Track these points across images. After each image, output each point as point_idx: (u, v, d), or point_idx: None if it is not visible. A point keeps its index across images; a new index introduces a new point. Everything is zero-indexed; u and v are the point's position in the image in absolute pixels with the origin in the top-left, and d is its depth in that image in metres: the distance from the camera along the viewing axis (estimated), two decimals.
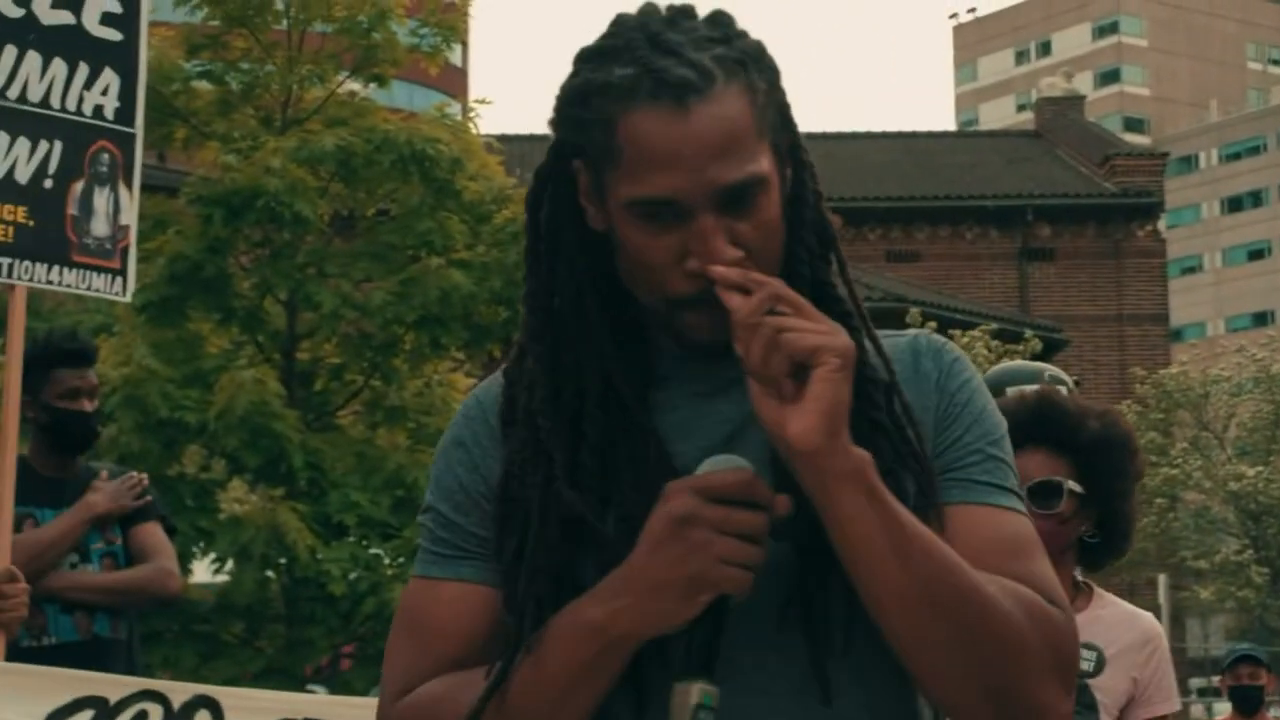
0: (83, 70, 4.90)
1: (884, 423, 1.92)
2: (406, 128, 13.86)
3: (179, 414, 12.85)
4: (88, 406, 5.48)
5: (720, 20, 1.92)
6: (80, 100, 4.89)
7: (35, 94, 4.78)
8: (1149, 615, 4.10)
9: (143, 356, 12.99)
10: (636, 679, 1.87)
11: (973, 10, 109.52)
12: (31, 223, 4.77)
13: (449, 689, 1.91)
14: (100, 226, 4.94)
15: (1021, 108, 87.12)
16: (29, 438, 5.53)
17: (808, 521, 1.83)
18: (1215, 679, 13.71)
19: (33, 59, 4.78)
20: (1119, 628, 3.88)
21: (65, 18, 4.87)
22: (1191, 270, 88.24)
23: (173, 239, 13.38)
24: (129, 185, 5.01)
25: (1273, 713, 11.77)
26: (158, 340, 13.33)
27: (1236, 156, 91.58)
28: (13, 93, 4.78)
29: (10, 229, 4.77)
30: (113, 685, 4.45)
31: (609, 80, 1.87)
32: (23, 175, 4.78)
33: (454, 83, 46.96)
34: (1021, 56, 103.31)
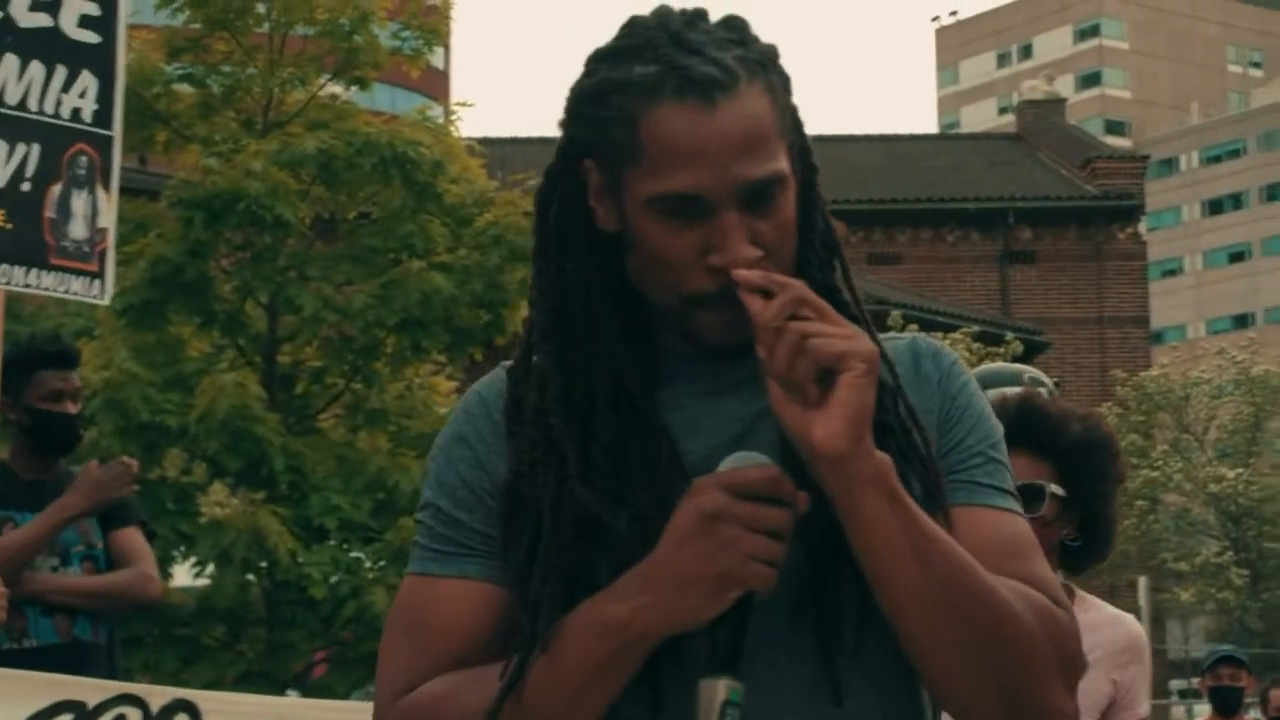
0: (60, 73, 4.89)
1: (892, 425, 1.94)
2: (388, 130, 13.84)
3: (160, 417, 12.82)
4: (71, 409, 5.48)
5: (735, 24, 1.94)
6: (58, 103, 4.88)
7: (13, 96, 4.77)
8: (1131, 618, 4.11)
9: (123, 360, 12.96)
10: (650, 678, 1.87)
11: (954, 13, 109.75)
12: (9, 226, 4.76)
13: (453, 688, 1.90)
14: (78, 229, 4.93)
15: (1003, 110, 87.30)
16: (10, 440, 5.52)
17: (822, 521, 1.84)
18: (1195, 680, 13.74)
19: (10, 62, 4.77)
20: (1103, 631, 3.88)
21: (43, 20, 4.85)
22: (1172, 273, 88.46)
23: (153, 242, 13.36)
24: (107, 188, 5.00)
25: (1251, 714, 11.81)
26: (138, 344, 13.30)
27: (1217, 159, 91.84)
28: None
29: None
30: (91, 689, 4.45)
31: (630, 78, 1.89)
32: (0, 178, 4.76)
33: (436, 85, 46.94)
34: (1003, 59, 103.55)
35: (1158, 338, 61.18)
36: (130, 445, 12.43)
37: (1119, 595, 27.46)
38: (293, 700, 5.57)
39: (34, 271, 4.82)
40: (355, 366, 13.83)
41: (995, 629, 1.86)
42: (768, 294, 1.82)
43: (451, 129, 14.96)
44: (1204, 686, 11.03)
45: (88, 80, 4.95)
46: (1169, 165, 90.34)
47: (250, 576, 12.93)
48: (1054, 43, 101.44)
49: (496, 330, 13.75)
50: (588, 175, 1.96)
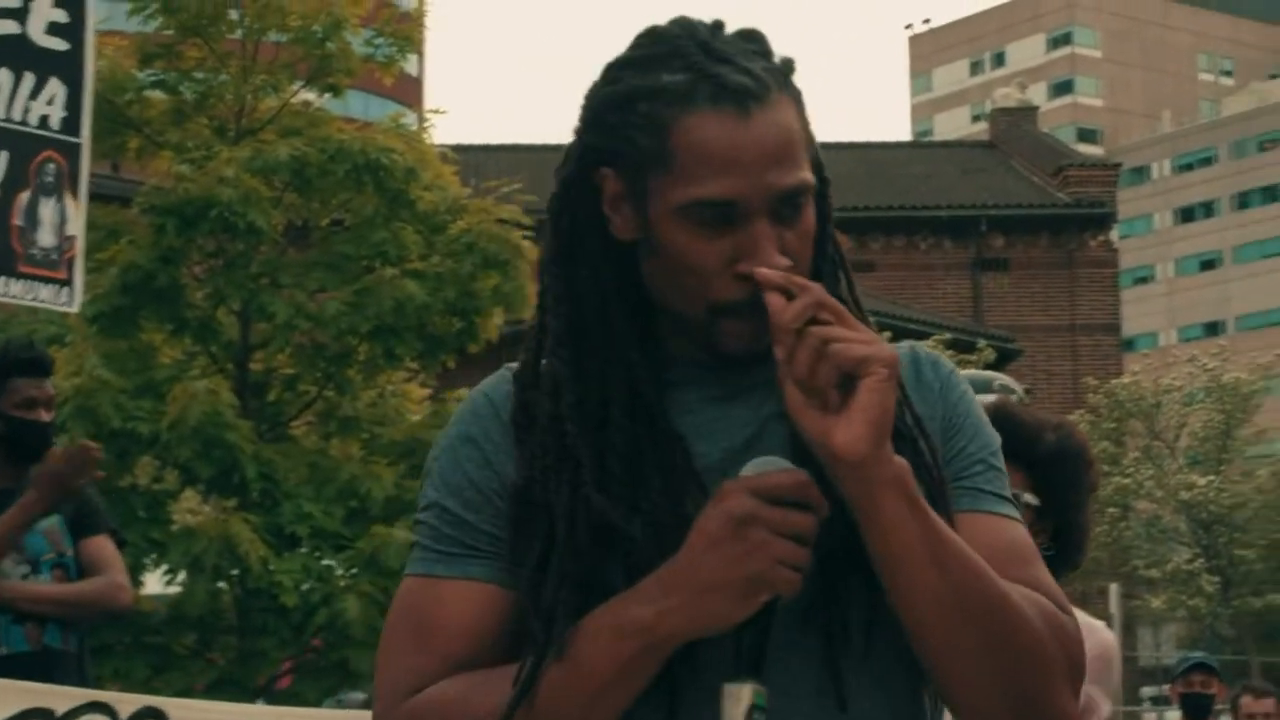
0: (29, 80, 4.87)
1: (902, 433, 1.95)
2: (361, 137, 13.83)
3: (131, 425, 12.78)
4: (45, 417, 5.46)
5: (755, 35, 1.97)
6: (26, 110, 4.86)
7: None
8: (1103, 625, 4.12)
9: (94, 367, 12.91)
10: (664, 682, 1.87)
11: (928, 21, 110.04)
12: None
13: (462, 691, 1.89)
14: (46, 237, 4.91)
15: (976, 118, 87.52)
16: None
17: (834, 526, 1.85)
18: (1166, 687, 13.78)
19: None
20: None
21: (11, 27, 4.84)
22: (1144, 280, 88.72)
23: (125, 249, 13.32)
24: (75, 195, 4.99)
25: None
26: (110, 351, 13.26)
27: (1189, 167, 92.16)
28: None
29: None
30: (60, 697, 4.43)
31: (661, 85, 1.91)
32: None
33: (410, 92, 46.92)
34: (976, 67, 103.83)
35: (1129, 345, 61.34)
36: (101, 452, 12.37)
37: (1090, 602, 27.52)
38: (263, 708, 5.55)
39: (2, 279, 4.81)
40: (328, 374, 13.81)
41: (1009, 635, 1.87)
42: (788, 295, 1.83)
43: (425, 136, 14.95)
44: (1175, 693, 11.04)
45: (56, 87, 4.94)
46: (1141, 173, 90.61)
47: (221, 584, 12.89)
48: (1027, 51, 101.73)
49: (469, 338, 13.73)
50: (603, 182, 1.96)
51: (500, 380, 2.04)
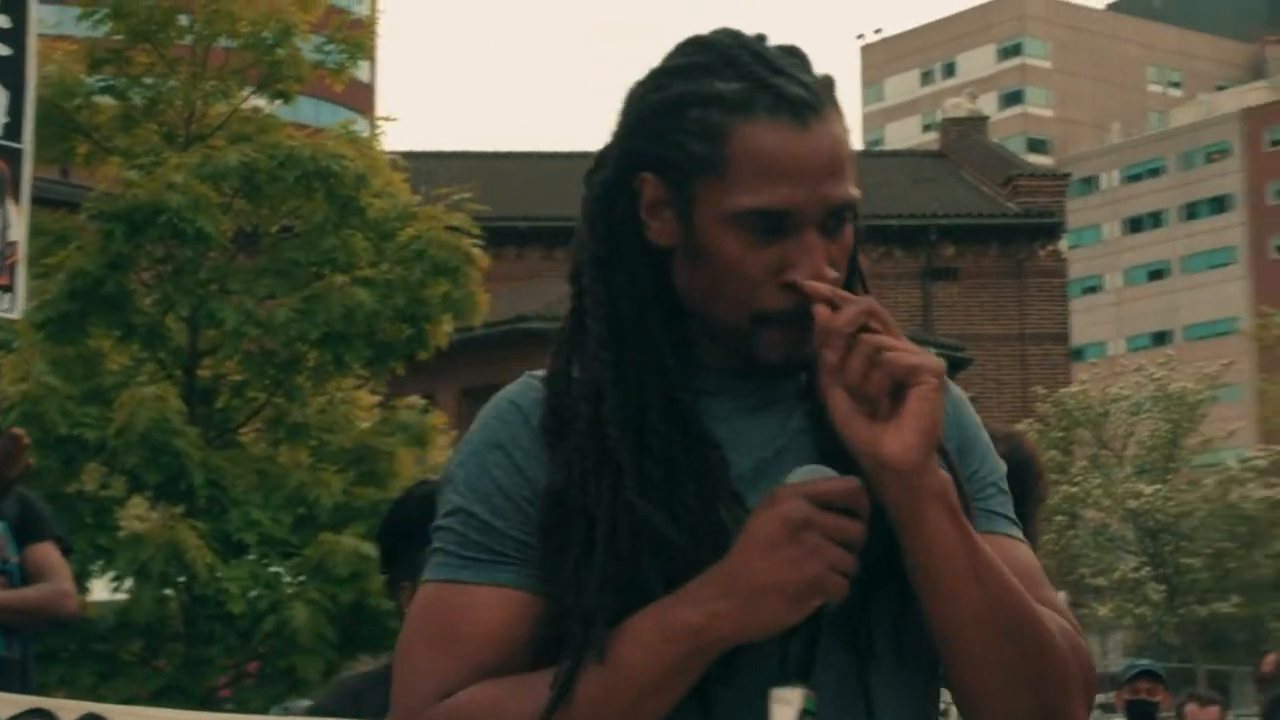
0: None
1: None
2: (311, 144, 13.80)
3: (78, 431, 12.72)
4: None
5: (798, 51, 1.99)
6: None
7: None
8: None
9: (41, 373, 12.85)
10: (701, 687, 1.87)
11: (879, 31, 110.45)
12: None
13: (495, 697, 1.88)
14: None
15: (927, 128, 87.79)
16: None
17: (874, 536, 1.86)
18: (1112, 695, 13.83)
19: None
20: None
21: None
22: (1093, 290, 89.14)
23: (73, 255, 13.25)
24: (18, 201, 4.97)
25: None
26: (57, 357, 13.19)
27: (1137, 178, 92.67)
28: None
29: None
30: (2, 704, 4.41)
31: (715, 92, 1.92)
32: None
33: (361, 99, 46.83)
34: (927, 77, 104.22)
35: (1078, 354, 61.63)
36: (48, 459, 12.34)
37: None
38: (204, 714, 5.53)
39: None
40: (276, 380, 13.77)
41: (1038, 650, 1.90)
42: (834, 307, 1.86)
43: (376, 143, 14.93)
44: (1120, 701, 11.09)
45: None
46: (1090, 183, 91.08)
47: (168, 591, 12.84)
48: (977, 61, 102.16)
49: (419, 345, 13.72)
50: (643, 187, 1.96)
51: (525, 387, 2.03)
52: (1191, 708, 11.59)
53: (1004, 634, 1.88)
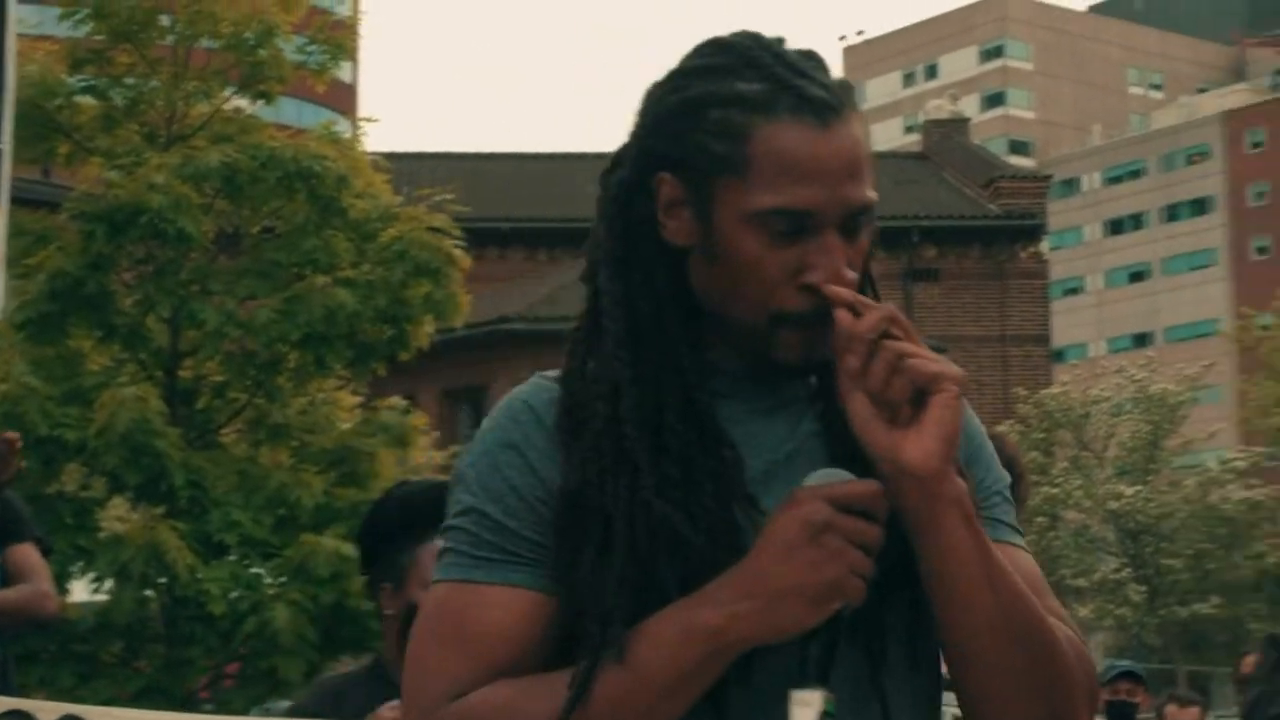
0: None
1: None
2: (293, 144, 13.79)
3: (59, 431, 12.71)
4: None
5: (816, 56, 1.99)
6: None
7: None
8: None
9: (22, 374, 12.83)
10: (714, 688, 1.87)
11: (861, 33, 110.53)
12: None
13: (510, 697, 1.87)
14: None
15: (908, 130, 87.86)
16: None
17: (889, 541, 1.86)
18: None
19: None
20: None
21: None
22: (1073, 292, 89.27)
23: (54, 255, 13.25)
24: None
25: None
26: (37, 357, 13.18)
27: (1118, 180, 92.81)
28: None
29: None
30: None
31: (736, 92, 1.92)
32: None
33: (343, 99, 46.78)
34: (909, 79, 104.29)
35: (1059, 356, 61.75)
36: (28, 459, 12.31)
37: None
38: (183, 715, 5.53)
39: None
40: (258, 381, 13.76)
41: (1048, 658, 1.92)
42: (855, 312, 1.86)
43: (358, 144, 14.93)
44: (1101, 701, 11.14)
45: None
46: (1071, 185, 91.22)
47: (149, 592, 12.83)
48: (959, 63, 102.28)
49: (400, 345, 13.72)
50: (660, 187, 1.96)
51: (538, 388, 2.02)
52: (1171, 709, 11.62)
53: (1015, 641, 1.89)
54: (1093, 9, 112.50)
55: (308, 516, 12.82)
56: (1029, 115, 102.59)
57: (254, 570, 12.81)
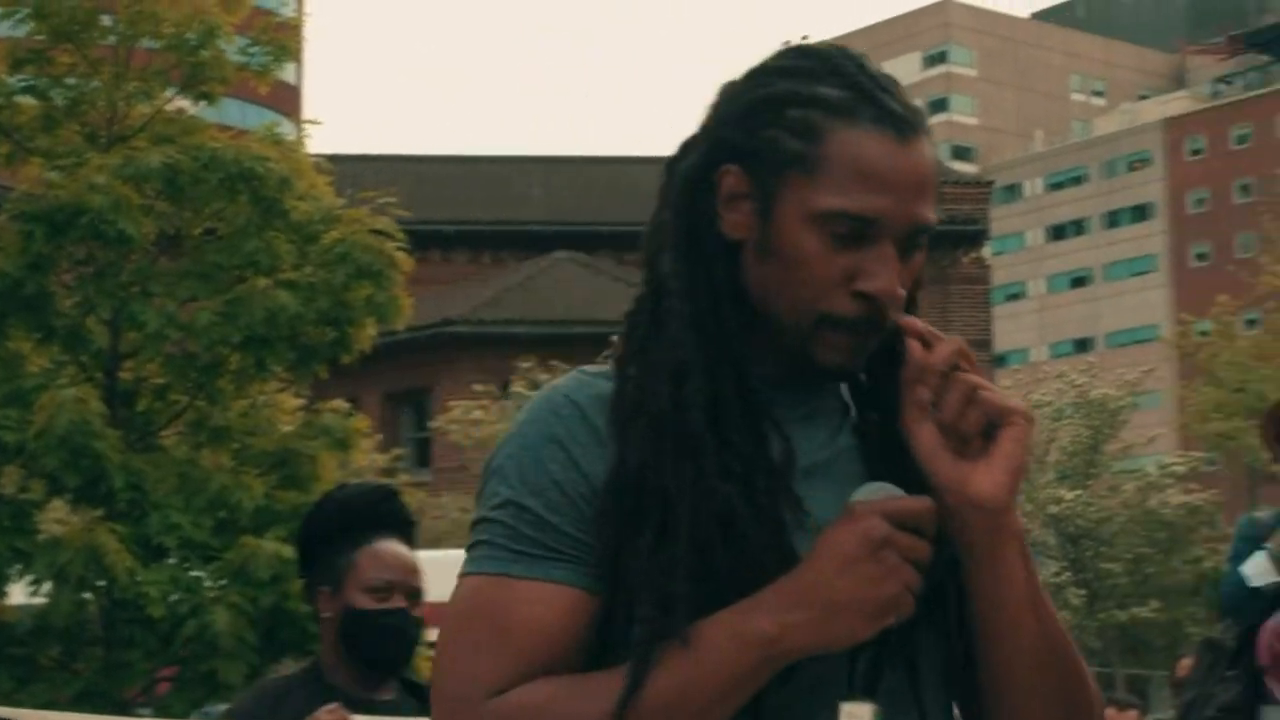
0: None
1: None
2: (235, 146, 13.73)
3: None
4: None
5: (894, 78, 2.02)
6: None
7: None
8: None
9: None
10: (756, 697, 1.87)
11: (806, 38, 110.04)
12: None
13: (556, 695, 1.85)
14: None
15: None
16: None
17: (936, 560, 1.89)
18: None
19: None
20: None
21: None
22: (1016, 297, 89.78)
23: None
24: None
25: None
26: None
27: (1060, 186, 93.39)
28: None
29: None
30: None
31: (818, 94, 1.94)
32: None
33: (287, 101, 46.60)
34: None
35: (1001, 360, 62.08)
36: None
37: None
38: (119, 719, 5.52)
39: None
40: (198, 384, 13.70)
41: (1076, 680, 1.97)
42: (926, 343, 1.89)
43: (301, 145, 14.87)
44: None
45: None
46: (1013, 191, 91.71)
47: (87, 595, 12.75)
48: (903, 69, 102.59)
49: (342, 348, 13.67)
50: (723, 178, 1.97)
51: (580, 382, 1.99)
52: (1110, 712, 11.70)
53: (1051, 665, 1.94)
54: (1036, 16, 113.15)
55: (248, 519, 12.76)
56: (972, 121, 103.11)
57: (194, 573, 12.74)
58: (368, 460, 19.10)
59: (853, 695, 1.86)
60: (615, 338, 2.04)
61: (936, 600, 1.93)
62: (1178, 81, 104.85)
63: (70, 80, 14.14)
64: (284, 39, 14.74)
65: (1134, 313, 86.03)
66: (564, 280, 32.80)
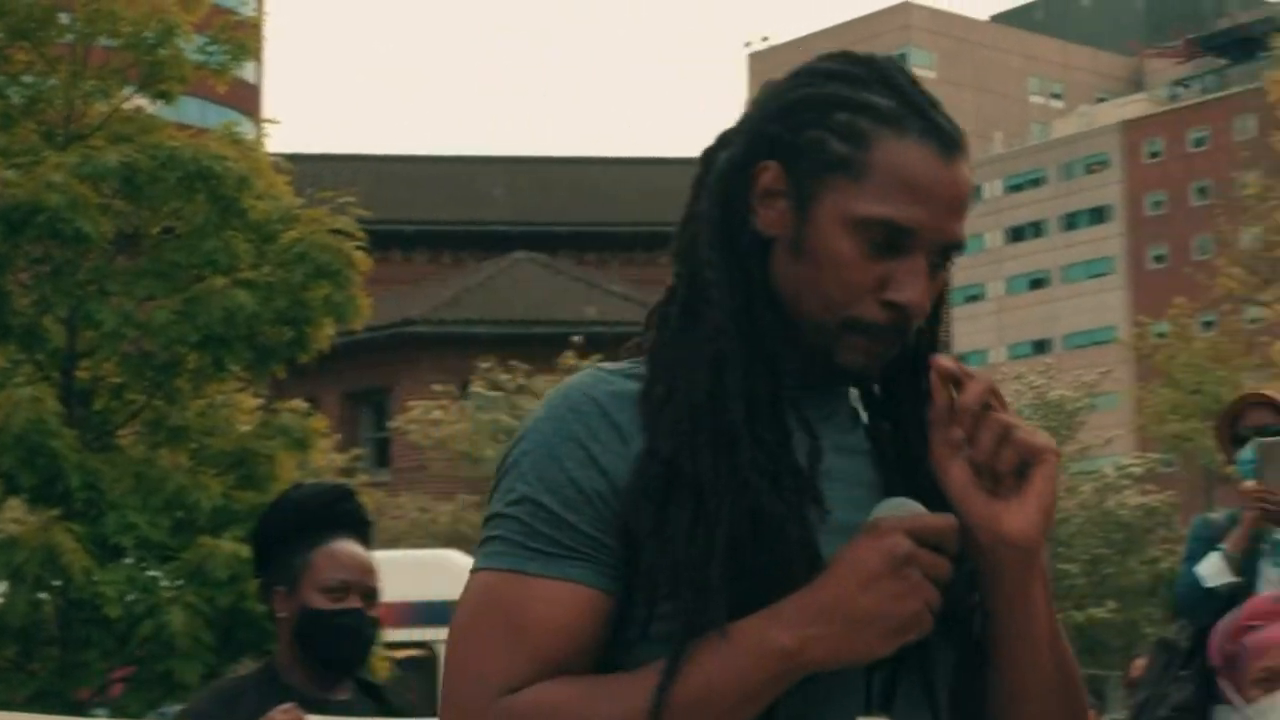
0: None
1: None
2: (193, 145, 13.68)
3: None
4: None
5: (940, 101, 2.05)
6: None
7: None
8: None
9: None
10: (769, 709, 1.87)
11: (766, 39, 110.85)
12: None
13: (574, 695, 1.84)
14: None
15: None
16: None
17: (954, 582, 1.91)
18: None
19: None
20: None
21: None
22: (975, 299, 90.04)
23: None
24: None
25: None
26: None
27: (1019, 188, 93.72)
28: None
29: None
30: None
31: (868, 101, 1.96)
32: None
33: (247, 100, 46.48)
34: None
35: (959, 362, 62.08)
36: None
37: None
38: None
39: None
40: (156, 383, 13.65)
41: (1080, 703, 2.03)
42: (957, 383, 1.90)
43: (260, 144, 14.84)
44: None
45: None
46: (973, 193, 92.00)
47: (43, 595, 12.69)
48: None
49: (300, 348, 13.64)
50: (761, 174, 1.98)
51: (599, 379, 1.98)
52: None
53: (1061, 691, 2.00)
54: (994, 18, 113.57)
55: (206, 519, 12.72)
56: None
57: (151, 573, 12.69)
58: (326, 460, 19.08)
59: (869, 710, 1.88)
60: (632, 340, 2.05)
61: (953, 618, 1.94)
62: (1135, 85, 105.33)
63: (27, 78, 14.08)
64: (243, 38, 14.70)
65: (1092, 314, 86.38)
66: (524, 280, 32.78)
